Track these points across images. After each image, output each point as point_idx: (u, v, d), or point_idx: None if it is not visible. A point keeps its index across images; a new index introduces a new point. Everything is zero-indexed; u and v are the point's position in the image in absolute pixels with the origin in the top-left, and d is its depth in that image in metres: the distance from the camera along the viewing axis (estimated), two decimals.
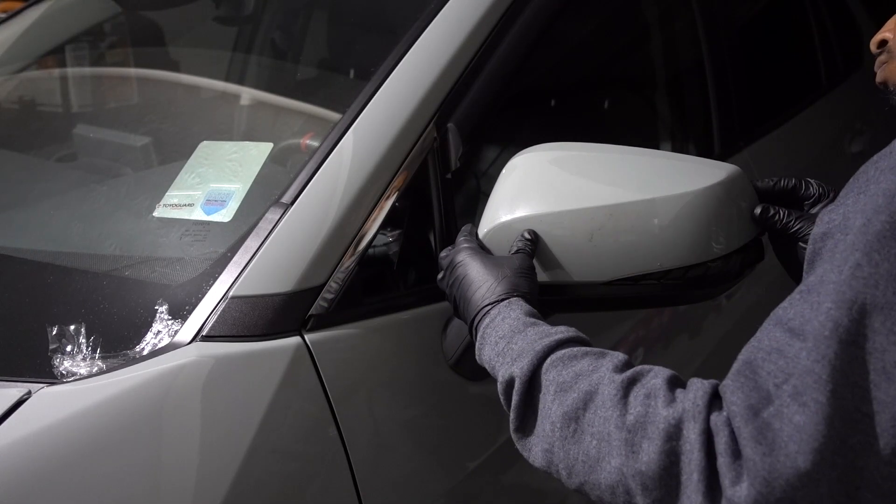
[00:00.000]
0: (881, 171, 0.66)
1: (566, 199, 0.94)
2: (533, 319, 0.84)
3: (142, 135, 1.42)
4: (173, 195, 1.10)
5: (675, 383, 0.70)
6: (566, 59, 1.57)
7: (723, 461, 0.62)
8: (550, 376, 0.76)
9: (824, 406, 0.58)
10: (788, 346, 0.63)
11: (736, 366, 0.66)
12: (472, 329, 0.88)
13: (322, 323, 0.94)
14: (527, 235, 0.93)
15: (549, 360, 0.77)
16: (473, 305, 0.88)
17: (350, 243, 0.97)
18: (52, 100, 1.72)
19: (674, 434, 0.65)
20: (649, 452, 0.65)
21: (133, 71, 1.75)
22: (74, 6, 1.87)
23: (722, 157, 1.57)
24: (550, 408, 0.74)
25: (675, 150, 1.66)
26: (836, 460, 0.59)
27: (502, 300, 0.86)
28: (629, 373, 0.72)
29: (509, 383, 0.78)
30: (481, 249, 0.95)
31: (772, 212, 0.95)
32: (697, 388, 0.67)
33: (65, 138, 1.55)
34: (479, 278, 0.89)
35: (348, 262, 0.97)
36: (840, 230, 0.64)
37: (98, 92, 1.75)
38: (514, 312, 0.84)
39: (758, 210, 0.96)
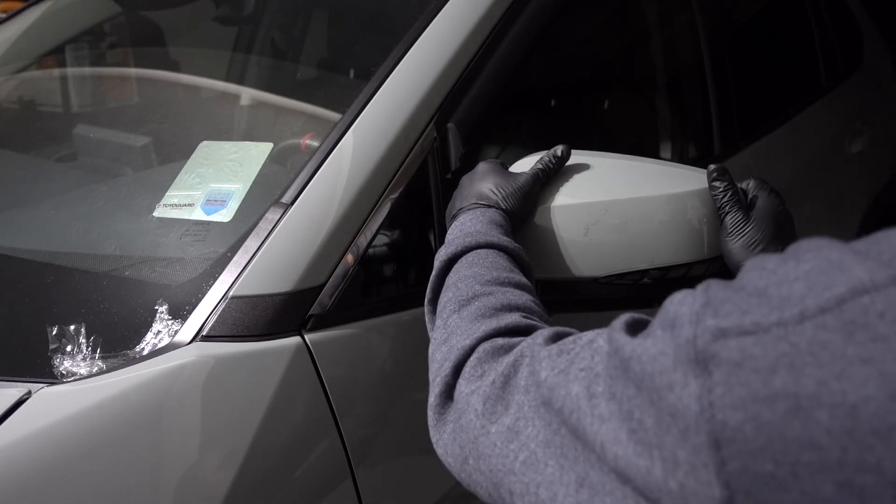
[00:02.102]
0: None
1: (563, 195, 0.95)
2: (488, 224, 0.88)
3: (142, 135, 1.42)
4: (173, 195, 1.10)
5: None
6: (566, 60, 1.57)
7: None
8: (461, 269, 0.83)
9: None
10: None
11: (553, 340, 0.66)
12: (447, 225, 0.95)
13: (322, 323, 0.94)
14: (557, 153, 0.96)
15: (471, 256, 0.84)
16: (451, 207, 0.97)
17: (350, 243, 0.97)
18: (52, 100, 1.72)
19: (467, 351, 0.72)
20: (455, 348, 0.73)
21: (133, 71, 1.75)
22: (74, 6, 1.87)
23: (722, 158, 1.57)
24: (445, 294, 0.82)
25: (674, 150, 1.66)
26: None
27: (476, 208, 0.92)
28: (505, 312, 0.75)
29: (437, 263, 0.86)
30: (499, 164, 0.99)
31: (721, 179, 0.92)
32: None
33: (65, 138, 1.55)
34: (479, 185, 0.95)
35: (348, 262, 0.97)
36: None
37: (98, 92, 1.75)
38: (477, 217, 0.89)
39: (713, 169, 0.93)
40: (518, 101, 1.35)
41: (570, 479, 0.54)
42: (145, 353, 0.89)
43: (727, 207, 0.91)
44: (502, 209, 0.92)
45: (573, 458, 0.54)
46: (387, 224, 1.02)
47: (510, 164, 1.02)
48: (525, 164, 1.00)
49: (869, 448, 0.37)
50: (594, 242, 0.94)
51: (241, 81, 1.70)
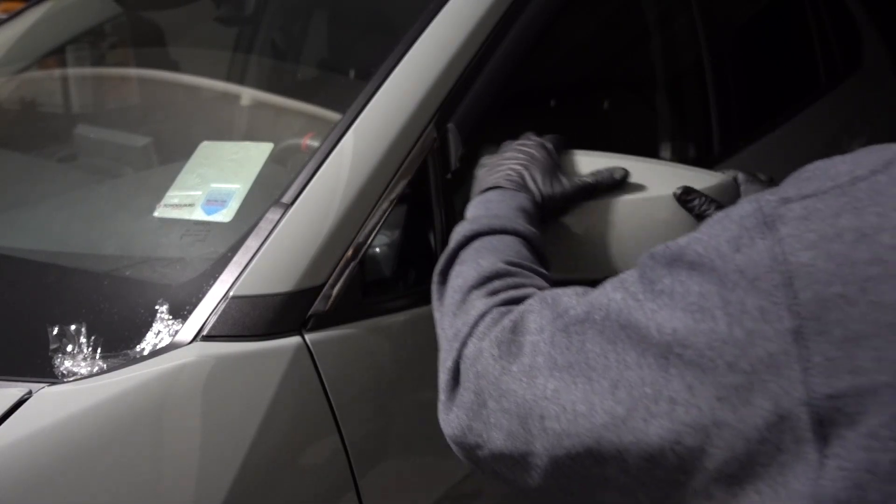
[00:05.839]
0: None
1: None
2: (516, 210, 0.86)
3: (142, 135, 1.42)
4: (174, 195, 1.10)
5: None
6: (566, 60, 1.57)
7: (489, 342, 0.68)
8: (482, 247, 0.81)
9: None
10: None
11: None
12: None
13: (322, 323, 0.94)
14: (616, 175, 0.94)
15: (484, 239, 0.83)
16: (490, 166, 0.95)
17: (350, 243, 0.97)
18: (53, 100, 1.72)
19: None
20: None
21: (134, 71, 1.75)
22: (75, 7, 1.87)
23: (721, 158, 1.57)
24: (460, 269, 0.80)
25: (674, 149, 1.66)
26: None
27: (509, 189, 0.90)
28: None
29: (456, 237, 0.84)
30: (555, 158, 0.96)
31: (693, 196, 0.92)
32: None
33: (66, 138, 1.55)
34: (525, 168, 0.92)
35: (348, 262, 0.97)
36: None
37: (99, 92, 1.75)
38: (507, 200, 0.88)
39: (678, 190, 0.93)
40: (518, 101, 1.35)
41: (602, 386, 0.57)
42: (146, 353, 0.89)
43: (710, 212, 0.91)
44: (537, 200, 0.90)
45: (603, 367, 0.58)
46: (387, 224, 1.02)
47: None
48: (586, 162, 0.97)
49: None
50: (594, 242, 0.94)
51: (241, 82, 1.70)
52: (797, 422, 0.47)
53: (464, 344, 0.70)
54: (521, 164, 0.93)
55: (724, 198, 0.94)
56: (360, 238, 0.98)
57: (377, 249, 1.04)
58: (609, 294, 0.60)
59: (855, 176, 0.50)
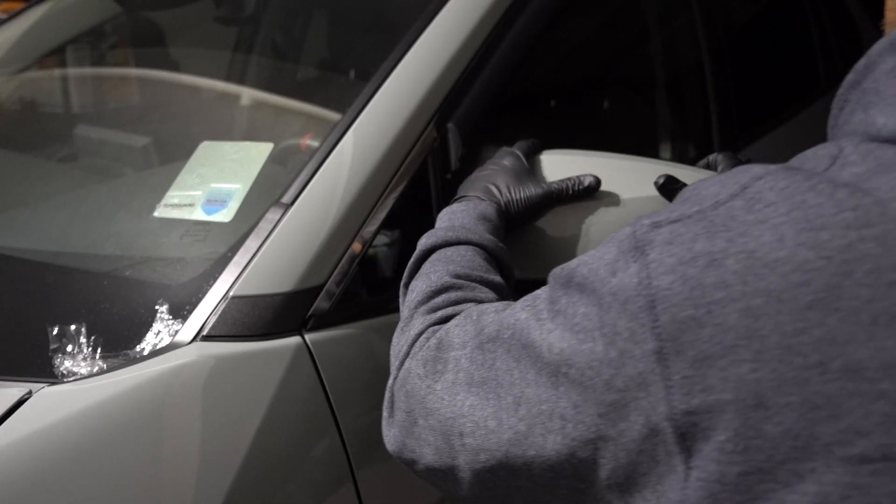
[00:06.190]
0: None
1: None
2: (476, 219, 0.89)
3: (142, 135, 1.42)
4: (174, 195, 1.10)
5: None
6: (566, 59, 1.57)
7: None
8: (436, 261, 0.85)
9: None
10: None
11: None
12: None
13: (322, 323, 0.94)
14: (584, 182, 0.94)
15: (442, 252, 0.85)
16: (462, 185, 0.97)
17: (350, 243, 0.97)
18: (53, 100, 1.72)
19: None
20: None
21: (134, 71, 1.75)
22: (75, 7, 1.87)
23: None
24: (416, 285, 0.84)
25: (674, 150, 1.66)
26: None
27: (473, 199, 0.93)
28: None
29: (417, 250, 0.88)
30: (523, 163, 0.98)
31: (675, 184, 0.93)
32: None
33: (66, 139, 1.55)
34: (492, 177, 0.95)
35: (348, 262, 0.97)
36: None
37: (99, 92, 1.75)
38: (468, 211, 0.90)
39: (661, 179, 0.93)
40: (518, 101, 1.35)
41: (507, 402, 0.62)
42: (146, 353, 0.89)
43: None
44: (501, 207, 0.92)
45: (508, 383, 0.62)
46: (387, 224, 1.02)
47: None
48: (555, 165, 0.98)
49: (761, 277, 0.47)
50: (594, 243, 0.94)
51: (241, 82, 1.70)
52: (665, 436, 0.51)
53: (401, 363, 0.76)
54: (487, 174, 0.96)
55: None
56: (360, 238, 0.98)
57: (377, 249, 1.04)
58: (517, 313, 0.64)
59: (717, 200, 0.52)
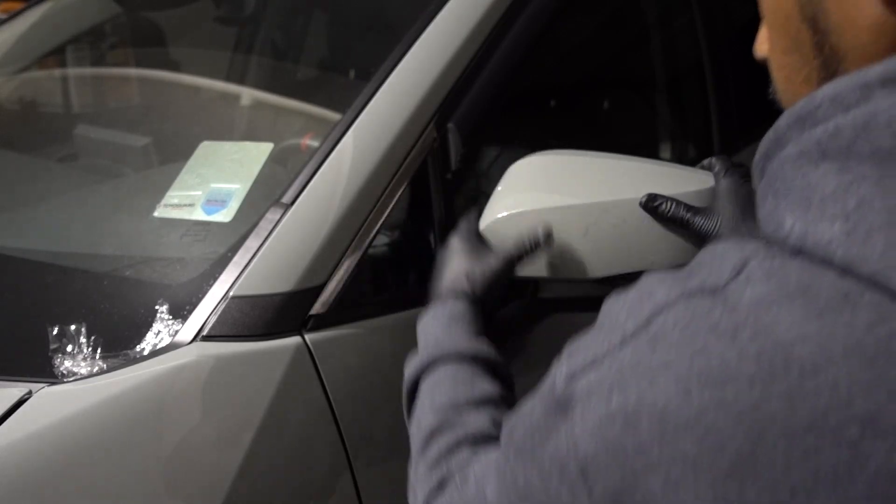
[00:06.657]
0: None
1: (563, 196, 0.95)
2: (446, 325, 0.87)
3: (142, 135, 1.42)
4: (174, 195, 1.10)
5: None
6: (566, 59, 1.57)
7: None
8: (423, 395, 0.82)
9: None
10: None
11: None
12: None
13: (322, 323, 0.94)
14: (538, 233, 0.92)
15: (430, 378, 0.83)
16: (432, 293, 0.95)
17: (350, 243, 0.97)
18: (53, 100, 1.72)
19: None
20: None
21: (134, 71, 1.75)
22: (75, 6, 1.88)
23: None
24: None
25: (674, 150, 1.66)
26: None
27: (442, 301, 0.91)
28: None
29: (406, 379, 0.85)
30: (475, 238, 0.97)
31: (658, 200, 0.93)
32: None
33: (66, 139, 1.55)
34: (450, 268, 0.94)
35: (348, 262, 0.97)
36: None
37: (99, 92, 1.75)
38: (438, 317, 0.88)
39: (643, 198, 0.93)
40: (518, 101, 1.35)
41: None
42: (146, 353, 0.89)
43: (679, 213, 0.92)
44: (470, 296, 0.91)
45: None
46: (387, 224, 1.02)
47: (508, 164, 1.01)
48: (500, 224, 0.96)
49: (675, 441, 0.43)
50: (594, 243, 0.94)
51: (241, 82, 1.70)
52: None
53: None
54: (449, 265, 0.95)
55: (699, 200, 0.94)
56: (360, 238, 0.98)
57: (377, 249, 1.04)
58: (486, 477, 0.64)
59: (623, 335, 0.47)
